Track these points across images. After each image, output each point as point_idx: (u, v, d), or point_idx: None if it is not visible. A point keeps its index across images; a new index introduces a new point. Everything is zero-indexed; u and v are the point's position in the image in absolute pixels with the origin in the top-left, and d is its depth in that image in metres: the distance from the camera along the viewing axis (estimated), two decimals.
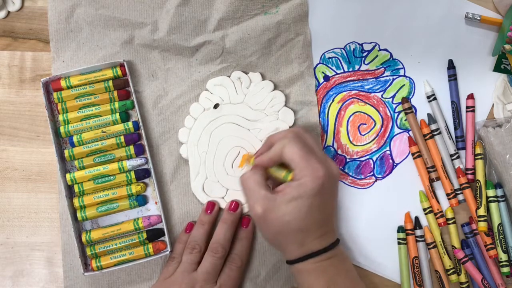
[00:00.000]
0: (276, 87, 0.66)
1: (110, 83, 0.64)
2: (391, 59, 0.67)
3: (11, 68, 0.67)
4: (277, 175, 0.59)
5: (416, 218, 0.66)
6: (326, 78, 0.67)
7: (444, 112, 0.67)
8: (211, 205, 0.64)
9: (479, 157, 0.66)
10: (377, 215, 0.66)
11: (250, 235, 0.64)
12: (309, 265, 0.56)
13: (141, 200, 0.64)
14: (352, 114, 0.67)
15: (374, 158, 0.67)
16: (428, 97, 0.67)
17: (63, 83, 0.64)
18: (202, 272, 0.60)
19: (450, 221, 0.66)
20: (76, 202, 0.63)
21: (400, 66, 0.67)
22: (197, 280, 0.59)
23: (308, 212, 0.55)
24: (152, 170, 0.64)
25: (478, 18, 0.65)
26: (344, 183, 0.67)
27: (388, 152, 0.67)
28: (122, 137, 0.64)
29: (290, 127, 0.65)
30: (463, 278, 0.65)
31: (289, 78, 0.66)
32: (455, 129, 0.66)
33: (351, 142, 0.67)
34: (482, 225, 0.64)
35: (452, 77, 0.67)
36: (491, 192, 0.65)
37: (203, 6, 0.65)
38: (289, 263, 0.57)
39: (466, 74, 0.67)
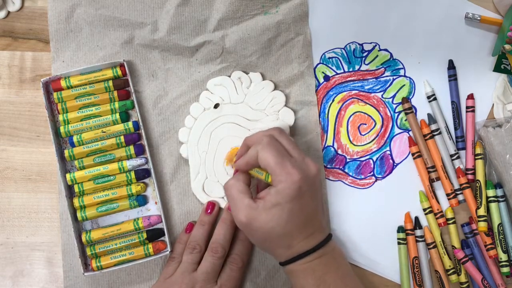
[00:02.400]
0: (276, 87, 0.66)
1: (110, 83, 0.64)
2: (391, 59, 0.67)
3: (11, 68, 0.66)
4: (258, 177, 0.59)
5: (416, 218, 0.66)
6: (326, 78, 0.67)
7: (444, 112, 0.67)
8: (211, 205, 0.64)
9: (479, 157, 0.66)
10: (377, 215, 0.66)
11: None
12: (298, 266, 0.56)
13: (141, 200, 0.64)
14: (352, 114, 0.67)
15: (374, 158, 0.67)
16: (428, 97, 0.67)
17: (63, 83, 0.64)
18: (202, 272, 0.60)
19: (450, 221, 0.66)
20: (76, 202, 0.63)
21: (400, 66, 0.67)
22: (197, 280, 0.59)
23: (290, 217, 0.55)
24: (152, 170, 0.64)
25: (478, 18, 0.65)
26: (344, 183, 0.67)
27: (388, 152, 0.67)
28: (122, 137, 0.64)
29: (290, 127, 0.65)
30: (463, 278, 0.65)
31: (289, 78, 0.66)
32: (455, 129, 0.66)
33: (351, 142, 0.67)
34: (482, 225, 0.64)
35: (452, 77, 0.67)
36: (491, 192, 0.65)
37: (203, 6, 0.65)
38: (281, 264, 0.58)
39: (466, 74, 0.67)
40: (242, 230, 0.58)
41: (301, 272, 0.56)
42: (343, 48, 0.67)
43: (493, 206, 0.65)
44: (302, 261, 0.56)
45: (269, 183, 0.57)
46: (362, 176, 0.67)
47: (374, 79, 0.67)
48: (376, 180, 0.67)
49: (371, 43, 0.67)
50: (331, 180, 0.67)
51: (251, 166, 0.58)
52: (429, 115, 0.67)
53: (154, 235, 0.63)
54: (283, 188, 0.55)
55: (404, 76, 0.67)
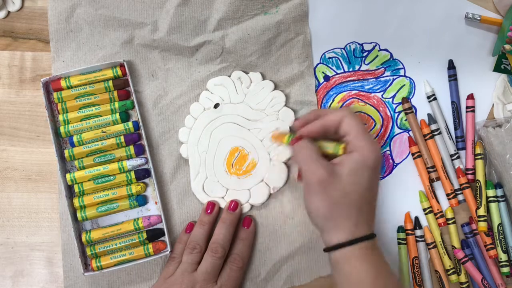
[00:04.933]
0: (276, 87, 0.66)
1: (110, 83, 0.64)
2: (391, 59, 0.67)
3: (11, 68, 0.66)
4: (327, 147, 0.57)
5: (416, 218, 0.66)
6: (326, 78, 0.67)
7: (444, 112, 0.67)
8: (211, 205, 0.64)
9: (479, 157, 0.66)
10: (377, 215, 0.66)
11: (251, 235, 0.64)
12: (358, 250, 0.54)
13: (141, 200, 0.64)
14: None
15: None
16: (428, 97, 0.67)
17: (63, 83, 0.64)
18: (202, 272, 0.60)
19: (450, 221, 0.66)
20: (76, 202, 0.63)
21: (400, 66, 0.67)
22: (197, 280, 0.60)
23: (368, 186, 0.54)
24: (152, 170, 0.64)
25: (478, 18, 0.65)
26: None
27: (388, 152, 0.67)
28: (122, 137, 0.64)
29: (290, 127, 0.65)
30: (463, 278, 0.65)
31: (289, 78, 0.66)
32: (455, 129, 0.66)
33: None
34: (482, 225, 0.64)
35: (452, 77, 0.67)
36: (491, 192, 0.65)
37: (203, 6, 0.65)
38: (336, 247, 0.54)
39: (466, 74, 0.67)
40: (313, 190, 0.54)
41: (360, 258, 0.53)
42: (343, 48, 0.67)
43: (493, 206, 0.65)
44: (363, 245, 0.53)
45: (335, 154, 0.56)
46: None
47: (374, 79, 0.67)
48: None
49: (371, 43, 0.67)
50: None
51: (324, 131, 0.57)
52: (429, 115, 0.67)
53: (154, 235, 0.63)
54: (367, 154, 0.54)
55: (404, 76, 0.67)
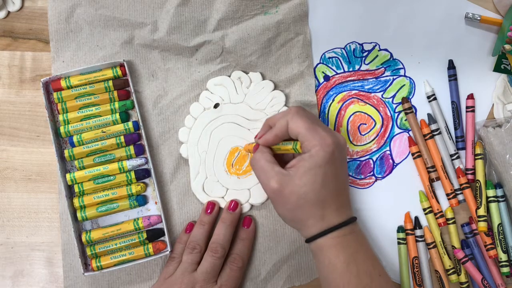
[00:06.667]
0: (276, 87, 0.66)
1: (110, 83, 0.64)
2: (391, 59, 0.67)
3: (11, 68, 0.67)
4: (285, 148, 0.59)
5: (416, 218, 0.66)
6: (326, 78, 0.67)
7: (444, 112, 0.67)
8: (211, 205, 0.64)
9: (479, 157, 0.66)
10: (377, 215, 0.66)
11: (251, 235, 0.64)
12: (330, 240, 0.56)
13: (141, 200, 0.64)
14: (352, 114, 0.67)
15: (374, 158, 0.67)
16: (428, 97, 0.67)
17: (63, 83, 0.64)
18: (202, 272, 0.60)
19: (450, 221, 0.66)
20: (76, 202, 0.63)
21: (400, 66, 0.67)
22: (197, 280, 0.60)
23: (324, 182, 0.55)
24: (152, 170, 0.64)
25: (478, 18, 0.65)
26: None
27: (388, 152, 0.67)
28: (122, 137, 0.64)
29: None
30: (463, 278, 0.65)
31: (289, 78, 0.66)
32: (455, 129, 0.66)
33: (351, 142, 0.67)
34: (482, 225, 0.64)
35: (452, 77, 0.67)
36: (491, 192, 0.65)
37: (203, 6, 0.65)
38: (309, 240, 0.57)
39: (466, 74, 0.67)
40: (272, 200, 0.58)
41: (332, 247, 0.56)
42: (343, 48, 0.67)
43: (493, 206, 0.65)
44: (334, 234, 0.56)
45: (296, 152, 0.57)
46: (362, 176, 0.67)
47: (374, 79, 0.67)
48: (376, 180, 0.67)
49: (371, 43, 0.67)
50: None
51: (279, 138, 0.59)
52: (429, 115, 0.67)
53: (154, 235, 0.63)
54: (316, 151, 0.55)
55: (404, 76, 0.67)
